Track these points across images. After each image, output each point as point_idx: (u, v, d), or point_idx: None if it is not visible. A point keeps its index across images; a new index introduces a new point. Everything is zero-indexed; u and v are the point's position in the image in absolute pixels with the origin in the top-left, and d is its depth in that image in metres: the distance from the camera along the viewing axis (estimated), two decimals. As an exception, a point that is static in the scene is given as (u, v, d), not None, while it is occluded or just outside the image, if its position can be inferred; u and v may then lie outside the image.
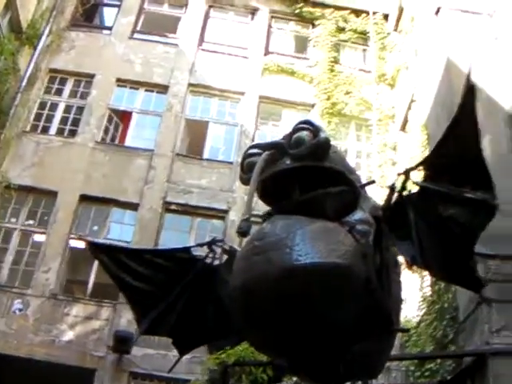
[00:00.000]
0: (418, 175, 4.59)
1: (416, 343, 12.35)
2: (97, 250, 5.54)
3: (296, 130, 4.62)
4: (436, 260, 4.53)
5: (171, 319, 5.32)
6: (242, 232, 4.12)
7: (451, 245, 4.43)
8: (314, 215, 4.35)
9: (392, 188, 4.52)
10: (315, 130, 4.57)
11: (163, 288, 5.28)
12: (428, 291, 12.80)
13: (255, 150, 4.76)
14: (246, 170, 4.76)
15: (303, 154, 4.49)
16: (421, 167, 4.56)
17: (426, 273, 12.22)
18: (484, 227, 4.43)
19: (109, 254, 5.40)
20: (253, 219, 4.25)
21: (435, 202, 4.44)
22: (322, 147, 4.53)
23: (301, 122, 4.69)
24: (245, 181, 4.76)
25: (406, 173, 4.50)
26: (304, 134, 4.55)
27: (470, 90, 4.23)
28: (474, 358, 9.68)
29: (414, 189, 4.57)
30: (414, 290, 12.74)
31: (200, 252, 5.52)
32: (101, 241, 16.96)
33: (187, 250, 5.50)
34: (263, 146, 4.71)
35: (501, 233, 10.09)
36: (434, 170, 4.49)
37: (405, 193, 4.57)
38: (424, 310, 12.74)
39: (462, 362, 10.47)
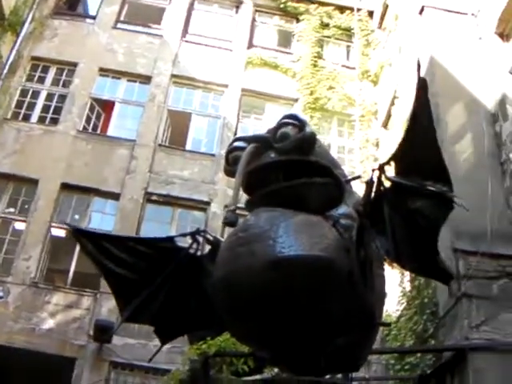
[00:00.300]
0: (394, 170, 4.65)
1: (396, 337, 12.45)
2: (79, 235, 5.50)
3: (281, 124, 4.66)
4: (407, 253, 4.58)
5: (154, 308, 5.29)
6: (229, 222, 4.17)
7: (419, 237, 4.51)
8: (298, 206, 4.41)
9: (369, 183, 4.57)
10: (301, 124, 4.61)
11: (146, 276, 5.25)
12: (408, 286, 12.91)
13: (240, 143, 4.80)
14: (230, 162, 4.81)
15: (288, 147, 4.53)
16: (393, 162, 4.61)
17: (405, 267, 12.35)
18: (445, 219, 4.51)
19: (91, 240, 5.35)
20: (237, 211, 4.29)
21: (405, 195, 4.51)
22: (308, 141, 4.57)
23: (286, 116, 4.73)
24: (229, 173, 4.81)
25: (380, 168, 4.54)
26: (289, 128, 4.59)
27: (423, 82, 4.30)
28: (454, 353, 9.80)
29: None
30: (394, 285, 12.85)
31: (183, 243, 5.54)
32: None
33: (171, 239, 5.50)
34: (248, 139, 4.76)
35: (481, 230, 10.29)
36: (403, 165, 4.54)
37: (382, 188, 4.62)
38: (404, 305, 12.83)
39: (441, 357, 10.58)
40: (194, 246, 5.33)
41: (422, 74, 14.06)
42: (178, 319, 5.41)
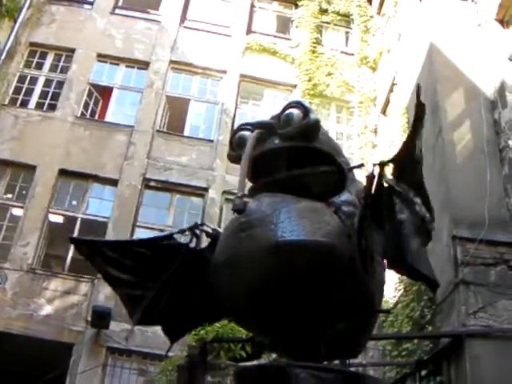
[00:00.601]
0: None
1: (393, 324, 12.49)
2: (81, 244, 5.52)
3: (286, 110, 4.65)
4: (397, 255, 4.51)
5: (160, 307, 5.29)
6: (237, 210, 4.17)
7: (406, 242, 4.42)
8: (301, 193, 4.41)
9: (370, 177, 4.56)
10: (305, 110, 4.60)
11: (150, 277, 5.20)
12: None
13: (245, 129, 4.80)
14: (235, 147, 4.80)
15: (293, 133, 4.53)
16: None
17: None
18: (426, 245, 4.51)
19: (93, 249, 5.35)
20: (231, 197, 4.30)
21: (396, 200, 4.47)
22: (312, 128, 4.57)
23: (291, 103, 4.73)
24: (233, 158, 4.80)
25: (381, 165, 4.52)
26: (294, 114, 4.59)
27: (420, 107, 4.30)
28: (451, 339, 9.85)
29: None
30: (391, 271, 12.86)
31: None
32: (80, 216, 17.03)
33: (170, 237, 5.47)
34: (253, 125, 4.75)
35: (479, 217, 10.31)
36: (399, 169, 4.53)
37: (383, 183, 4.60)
38: (401, 292, 12.88)
39: (438, 343, 10.64)
40: (194, 240, 5.29)
41: (421, 61, 14.06)
42: (185, 315, 5.38)
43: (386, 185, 4.47)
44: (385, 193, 4.46)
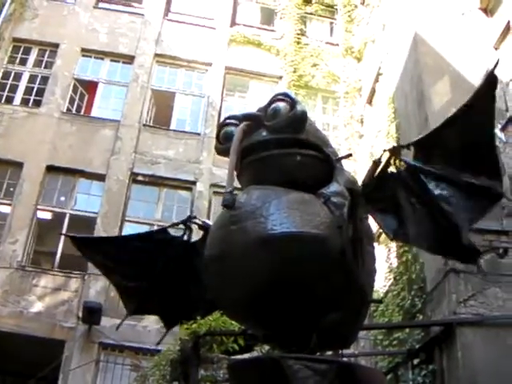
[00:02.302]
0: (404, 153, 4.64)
1: (383, 313, 12.56)
2: (80, 243, 5.64)
3: (273, 102, 4.65)
4: (422, 234, 4.61)
5: (155, 298, 5.43)
6: (227, 205, 4.16)
7: (443, 222, 4.49)
8: (284, 174, 4.43)
9: (377, 162, 4.57)
10: (292, 102, 4.59)
11: (145, 269, 5.37)
12: (395, 262, 13.01)
13: (231, 121, 4.80)
14: (222, 140, 4.79)
15: (280, 125, 4.52)
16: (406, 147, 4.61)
17: (392, 244, 12.44)
18: (485, 212, 4.53)
19: (91, 246, 5.59)
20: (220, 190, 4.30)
21: (426, 180, 4.50)
22: (299, 120, 4.56)
23: (277, 94, 4.71)
24: (221, 151, 4.79)
25: (395, 150, 4.53)
26: (281, 106, 4.58)
27: (492, 80, 4.30)
28: (442, 328, 9.91)
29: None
30: (381, 261, 12.94)
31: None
32: (68, 211, 16.98)
33: (164, 230, 5.57)
34: (239, 118, 4.74)
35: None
36: (425, 151, 4.53)
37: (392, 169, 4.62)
38: (391, 281, 12.95)
39: (430, 332, 10.70)
40: (187, 232, 5.37)
41: (406, 51, 14.08)
42: (180, 305, 5.53)
43: (405, 167, 4.51)
44: (403, 176, 4.52)
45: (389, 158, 4.50)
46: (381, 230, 5.20)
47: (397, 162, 4.56)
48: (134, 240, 5.67)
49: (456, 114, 4.39)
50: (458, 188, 4.48)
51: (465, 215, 4.49)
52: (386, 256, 13.30)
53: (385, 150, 4.56)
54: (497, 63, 4.27)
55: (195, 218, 5.32)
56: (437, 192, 4.49)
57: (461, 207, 4.46)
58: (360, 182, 4.73)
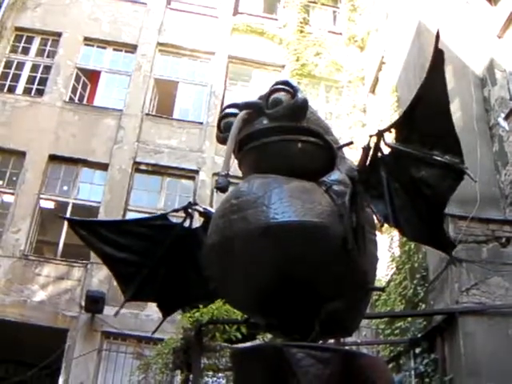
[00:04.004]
0: (390, 136, 4.64)
1: (386, 302, 12.58)
2: (76, 225, 5.56)
3: (274, 90, 4.62)
4: (407, 221, 4.57)
5: (154, 284, 5.40)
6: (221, 188, 4.15)
7: (422, 206, 4.49)
8: (285, 159, 4.43)
9: (366, 149, 4.55)
10: (293, 90, 4.57)
11: (145, 255, 5.34)
12: (397, 251, 13.02)
13: (232, 110, 4.78)
14: (223, 128, 4.78)
15: (281, 113, 4.50)
16: (392, 129, 4.60)
17: (395, 233, 12.45)
18: (453, 191, 4.49)
19: (89, 229, 5.46)
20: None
21: (407, 163, 4.46)
22: (300, 108, 4.54)
23: (278, 83, 4.69)
24: (222, 140, 4.77)
25: (379, 134, 4.50)
26: (282, 94, 4.57)
27: (439, 54, 4.27)
28: (444, 317, 9.93)
29: (387, 150, 4.62)
30: (383, 250, 12.94)
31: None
32: (71, 201, 17.00)
33: (164, 216, 5.55)
34: (240, 106, 4.73)
35: (471, 194, 10.35)
36: (405, 132, 4.48)
37: (379, 154, 4.61)
38: (393, 270, 12.96)
39: (432, 321, 10.73)
40: (188, 219, 5.36)
41: (409, 39, 14.05)
42: (179, 293, 5.50)
43: (389, 151, 4.51)
44: (387, 160, 4.50)
45: (376, 144, 4.48)
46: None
47: (384, 145, 4.54)
48: (133, 225, 5.66)
49: (417, 93, 4.38)
50: (431, 168, 4.44)
51: (439, 197, 4.50)
52: (388, 245, 13.30)
53: (371, 136, 4.54)
54: (438, 37, 4.25)
55: (196, 204, 5.31)
56: (416, 175, 4.46)
57: (436, 188, 4.44)
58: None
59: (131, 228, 5.52)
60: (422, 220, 4.56)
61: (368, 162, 4.53)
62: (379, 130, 4.49)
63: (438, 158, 4.39)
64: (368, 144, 4.51)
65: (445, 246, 4.97)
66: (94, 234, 5.39)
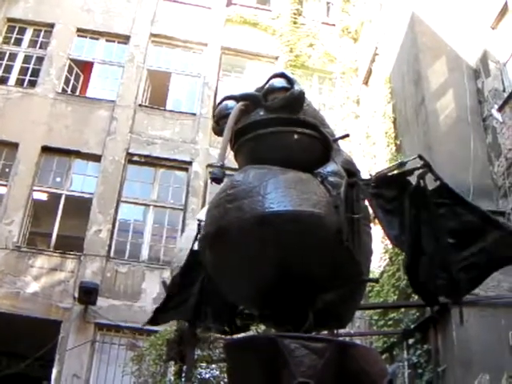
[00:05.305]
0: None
1: (379, 293, 12.60)
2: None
3: (270, 81, 4.65)
4: (411, 257, 4.51)
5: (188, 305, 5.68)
6: (216, 179, 4.15)
7: (433, 253, 4.42)
8: (284, 152, 4.43)
9: (401, 164, 4.54)
10: (290, 82, 4.59)
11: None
12: (390, 243, 13.01)
13: (229, 101, 4.78)
14: (219, 120, 4.79)
15: (277, 105, 4.51)
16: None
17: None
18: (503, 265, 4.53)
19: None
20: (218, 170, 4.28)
21: (446, 208, 4.42)
22: (297, 99, 4.55)
23: (276, 75, 4.71)
24: (218, 131, 4.77)
25: (429, 165, 4.46)
26: (279, 85, 4.58)
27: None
28: (437, 308, 9.95)
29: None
30: (377, 241, 12.94)
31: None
32: (64, 192, 16.97)
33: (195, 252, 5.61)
34: (237, 97, 4.73)
35: (464, 185, 10.36)
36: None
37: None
38: (386, 261, 12.98)
39: (425, 312, 10.75)
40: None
41: (403, 31, 13.97)
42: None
43: (435, 186, 4.45)
44: (423, 193, 4.42)
45: (420, 169, 4.41)
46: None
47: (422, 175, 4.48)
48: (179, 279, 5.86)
49: None
50: (472, 229, 4.39)
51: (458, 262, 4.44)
52: (381, 236, 13.30)
53: (420, 157, 4.47)
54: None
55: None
56: (449, 225, 4.39)
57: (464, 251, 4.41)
58: (374, 172, 4.71)
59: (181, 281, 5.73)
60: (426, 265, 4.46)
61: (393, 174, 4.53)
62: (428, 163, 4.44)
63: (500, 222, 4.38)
64: (406, 161, 4.51)
65: (429, 299, 4.93)
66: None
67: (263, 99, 4.58)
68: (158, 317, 6.03)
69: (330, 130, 4.90)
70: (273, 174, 4.29)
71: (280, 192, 4.17)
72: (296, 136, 4.52)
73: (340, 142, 5.00)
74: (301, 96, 4.57)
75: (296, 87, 4.54)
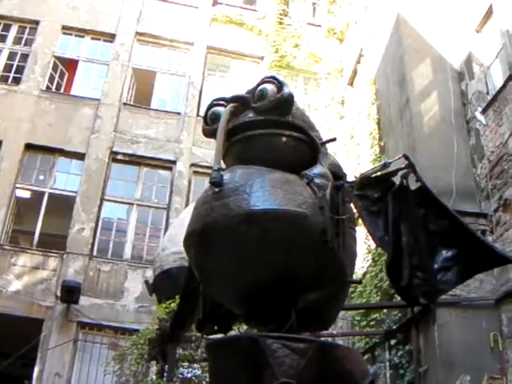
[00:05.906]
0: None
1: (361, 294, 12.64)
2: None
3: (260, 84, 4.68)
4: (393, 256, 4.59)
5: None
6: (215, 182, 4.17)
7: (412, 253, 4.49)
8: (271, 154, 4.46)
9: (385, 165, 4.58)
10: (280, 84, 4.62)
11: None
12: (373, 243, 13.07)
13: (219, 103, 4.81)
14: (209, 122, 4.80)
15: (267, 107, 4.53)
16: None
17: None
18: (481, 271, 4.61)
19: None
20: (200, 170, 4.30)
21: (425, 209, 4.51)
22: (286, 102, 4.58)
23: (266, 77, 4.74)
24: (208, 133, 4.79)
25: (413, 166, 4.52)
26: (268, 88, 4.61)
27: None
28: (420, 308, 10.01)
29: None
30: (359, 242, 12.97)
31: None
32: (47, 190, 16.91)
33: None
34: (227, 99, 4.76)
35: (446, 187, 10.42)
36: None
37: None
38: (369, 262, 13.02)
39: (407, 313, 10.80)
40: None
41: (388, 32, 14.02)
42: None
43: (417, 187, 4.52)
44: (406, 194, 4.51)
45: (405, 175, 4.47)
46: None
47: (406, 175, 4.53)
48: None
49: None
50: (458, 233, 4.47)
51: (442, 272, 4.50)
52: (364, 237, 13.35)
53: (406, 157, 4.54)
54: None
55: None
56: (433, 227, 4.49)
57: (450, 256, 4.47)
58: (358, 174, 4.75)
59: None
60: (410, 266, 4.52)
61: (377, 176, 4.57)
62: (412, 163, 4.49)
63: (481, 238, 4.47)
64: (390, 162, 4.54)
65: (410, 299, 4.97)
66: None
67: (253, 101, 4.61)
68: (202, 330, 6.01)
69: (318, 134, 4.93)
70: (259, 173, 4.31)
71: (266, 191, 4.20)
72: (284, 138, 4.55)
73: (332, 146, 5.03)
74: (290, 99, 4.60)
75: (286, 90, 4.57)
